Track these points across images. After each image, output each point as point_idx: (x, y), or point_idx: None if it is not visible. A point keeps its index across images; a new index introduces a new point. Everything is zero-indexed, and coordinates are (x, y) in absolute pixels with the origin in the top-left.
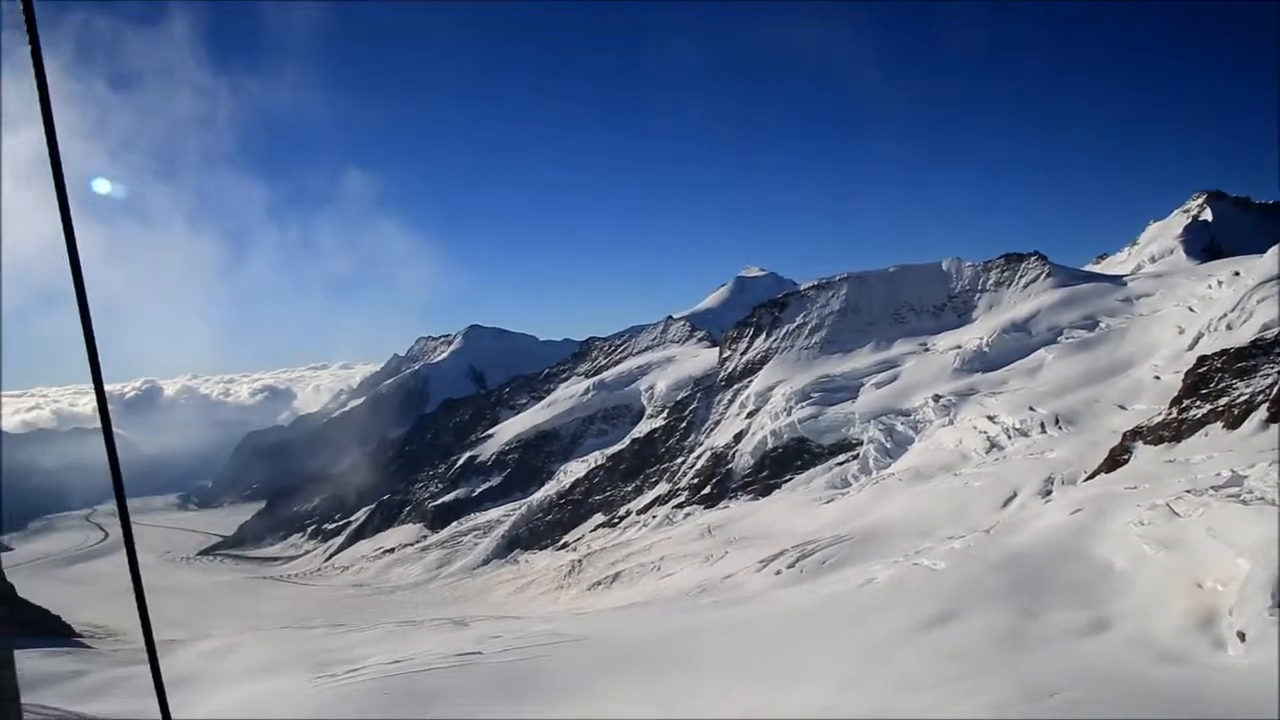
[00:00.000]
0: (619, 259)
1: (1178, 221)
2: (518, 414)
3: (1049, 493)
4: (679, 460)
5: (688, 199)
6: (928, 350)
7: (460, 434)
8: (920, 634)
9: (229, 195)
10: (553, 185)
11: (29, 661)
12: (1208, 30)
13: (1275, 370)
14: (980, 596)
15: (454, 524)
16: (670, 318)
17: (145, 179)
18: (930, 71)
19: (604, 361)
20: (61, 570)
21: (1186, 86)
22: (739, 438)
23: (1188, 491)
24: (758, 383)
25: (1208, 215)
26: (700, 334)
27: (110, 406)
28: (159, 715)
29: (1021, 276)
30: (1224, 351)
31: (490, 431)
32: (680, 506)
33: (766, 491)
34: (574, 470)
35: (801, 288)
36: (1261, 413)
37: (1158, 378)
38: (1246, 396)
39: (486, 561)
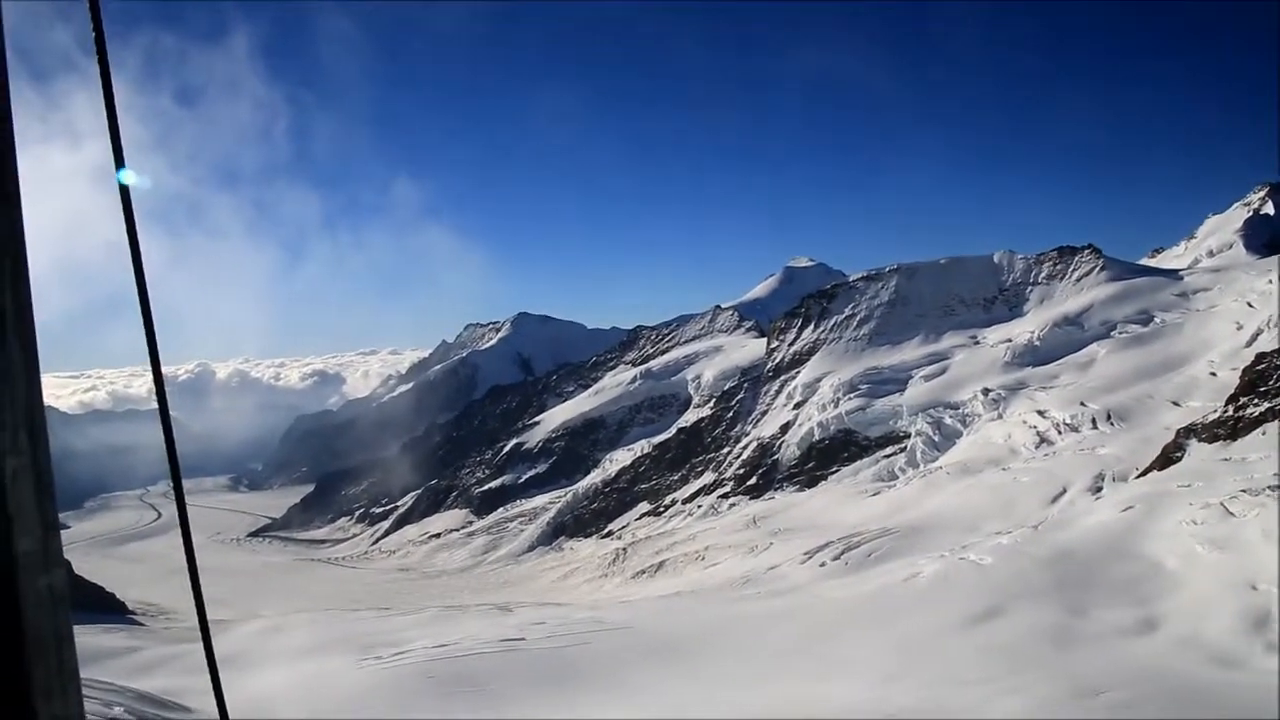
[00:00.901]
0: (668, 248)
1: (1237, 215)
2: (564, 401)
3: (1099, 489)
4: (725, 450)
5: (738, 189)
6: (977, 343)
7: (507, 421)
8: (965, 629)
9: (283, 192)
10: (602, 173)
11: (85, 637)
12: (1273, 14)
13: None
14: (1027, 593)
15: (500, 510)
16: (718, 307)
17: (208, 186)
18: (985, 61)
19: (651, 350)
20: (116, 549)
21: (1246, 76)
22: (785, 429)
23: (1243, 491)
24: (805, 374)
25: (1269, 209)
26: (748, 324)
27: (154, 388)
28: (211, 692)
29: (1074, 270)
30: None
31: (537, 419)
32: (725, 497)
33: (812, 483)
34: (620, 459)
35: (850, 279)
36: None
37: (1214, 374)
38: None
39: (531, 548)
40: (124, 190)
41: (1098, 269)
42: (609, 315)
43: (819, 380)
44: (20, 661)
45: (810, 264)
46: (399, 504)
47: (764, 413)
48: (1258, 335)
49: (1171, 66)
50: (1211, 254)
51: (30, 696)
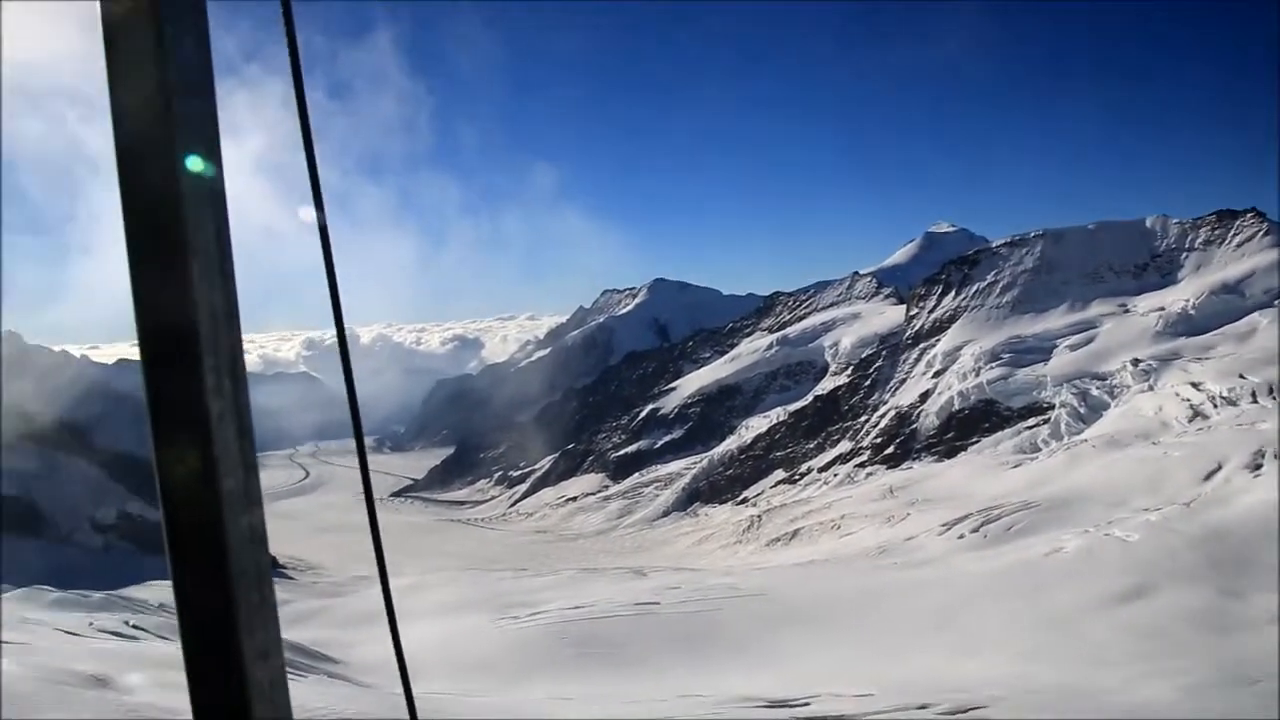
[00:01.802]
0: (806, 213)
1: None
2: (700, 368)
3: (1259, 467)
4: (862, 419)
5: (877, 152)
6: (1127, 312)
7: (643, 386)
8: (1110, 608)
9: (426, 170)
10: (740, 138)
11: None
12: None
13: None
14: (1176, 572)
15: (635, 475)
16: (857, 273)
17: (356, 179)
18: (1136, 13)
19: (788, 317)
20: (267, 506)
21: None
22: (924, 397)
23: None
24: (945, 342)
25: None
26: (887, 291)
27: (309, 352)
28: (361, 645)
29: (1235, 235)
30: None
31: (673, 384)
32: (862, 466)
33: (951, 453)
34: (755, 425)
35: (993, 244)
36: None
37: None
38: None
39: (666, 513)
40: (315, 183)
41: (1261, 234)
42: (746, 281)
43: (959, 348)
44: (226, 594)
45: (951, 229)
46: (536, 467)
47: (902, 381)
48: None
49: None
50: None
51: (235, 627)
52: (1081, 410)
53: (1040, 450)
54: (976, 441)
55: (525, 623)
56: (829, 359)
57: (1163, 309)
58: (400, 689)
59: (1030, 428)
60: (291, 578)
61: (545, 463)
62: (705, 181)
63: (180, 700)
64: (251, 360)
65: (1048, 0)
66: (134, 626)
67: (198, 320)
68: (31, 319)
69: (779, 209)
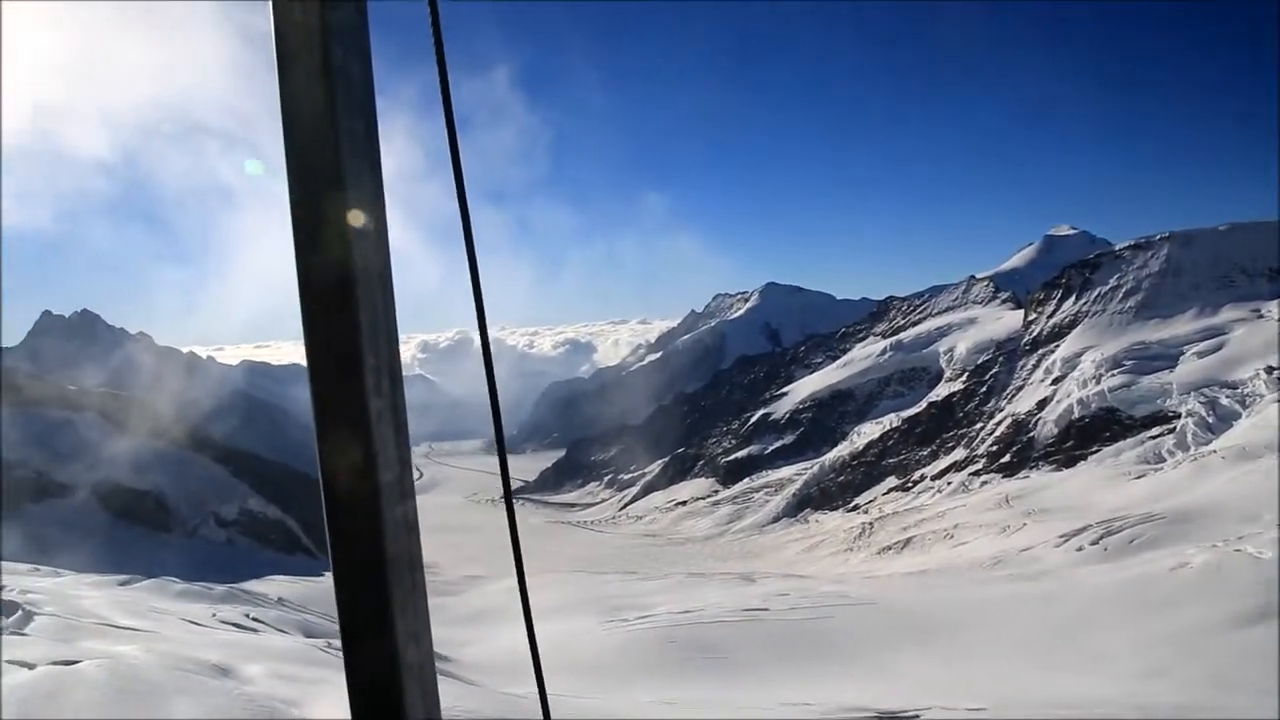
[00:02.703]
0: (922, 217)
1: None
2: (812, 373)
3: None
4: (977, 426)
5: (996, 154)
6: (1261, 317)
7: (754, 391)
8: (1238, 628)
9: (545, 181)
10: (857, 140)
11: None
12: None
13: None
14: None
15: (745, 480)
16: (973, 278)
17: (478, 200)
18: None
19: (902, 322)
20: None
21: None
22: (1042, 405)
23: None
24: (1065, 348)
25: None
26: (1004, 295)
27: (423, 354)
28: (474, 645)
29: None
30: None
31: (784, 389)
32: (977, 474)
33: (1070, 463)
34: (868, 432)
35: (1117, 248)
36: None
37: None
38: None
39: (776, 519)
40: (460, 183)
41: None
42: (859, 285)
43: (1080, 355)
44: (382, 581)
45: (1072, 232)
46: (646, 471)
47: (1019, 388)
48: None
49: None
50: None
51: (390, 610)
52: (1210, 420)
53: (1165, 461)
54: (1097, 451)
55: (633, 626)
56: (944, 365)
57: None
58: (513, 689)
59: (1154, 437)
60: None
61: (655, 466)
62: (819, 185)
63: (295, 692)
64: None
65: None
66: (253, 619)
67: (360, 323)
68: (162, 323)
69: (894, 212)
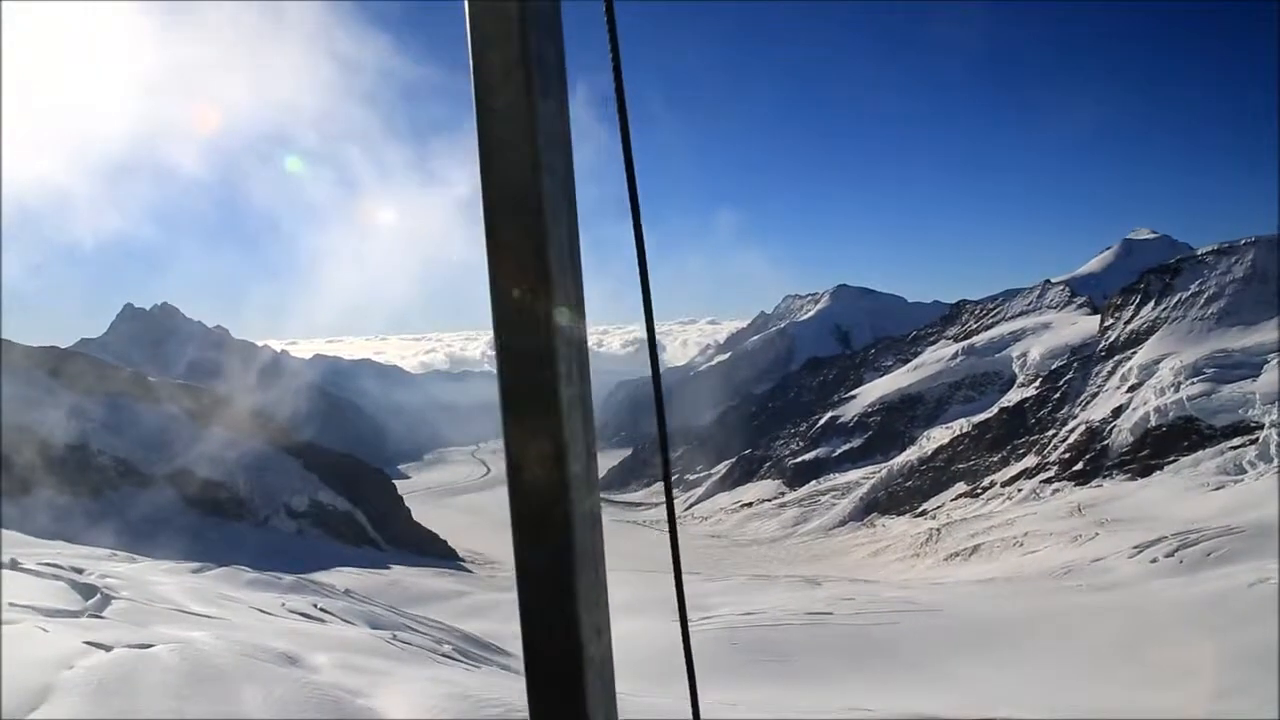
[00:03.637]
0: (996, 219)
1: None
2: (882, 376)
3: None
4: (1049, 433)
5: (1071, 156)
6: None
7: (823, 393)
8: None
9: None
10: (929, 141)
11: (421, 579)
12: None
13: None
14: None
15: (812, 483)
16: (1048, 281)
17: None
18: None
19: (974, 325)
20: (450, 499)
21: None
22: (1118, 413)
23: None
24: (1142, 354)
25: None
26: (1080, 300)
27: (486, 351)
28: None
29: None
30: None
31: (854, 392)
32: (1048, 482)
33: (1146, 472)
34: (937, 436)
35: (1199, 252)
36: None
37: None
38: None
39: (843, 523)
40: (632, 186)
41: None
42: (930, 288)
43: (1158, 362)
44: (569, 573)
45: (1152, 236)
46: (713, 471)
47: (1094, 395)
48: None
49: None
50: None
51: (575, 604)
52: None
53: (1246, 473)
54: (1174, 461)
55: (696, 626)
56: (1016, 370)
57: None
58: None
59: (1235, 448)
60: (470, 571)
61: (722, 467)
62: (892, 185)
63: (361, 682)
64: (439, 358)
65: None
66: (321, 609)
67: (553, 311)
68: (238, 317)
69: (967, 215)
